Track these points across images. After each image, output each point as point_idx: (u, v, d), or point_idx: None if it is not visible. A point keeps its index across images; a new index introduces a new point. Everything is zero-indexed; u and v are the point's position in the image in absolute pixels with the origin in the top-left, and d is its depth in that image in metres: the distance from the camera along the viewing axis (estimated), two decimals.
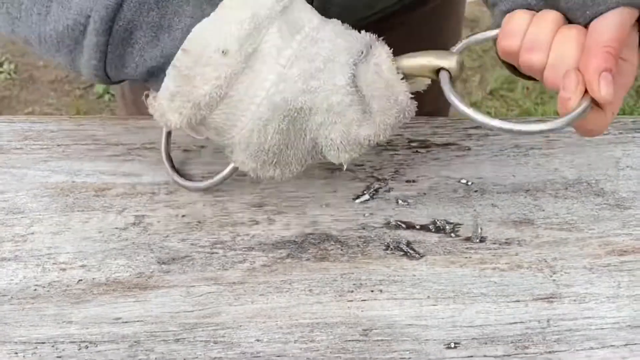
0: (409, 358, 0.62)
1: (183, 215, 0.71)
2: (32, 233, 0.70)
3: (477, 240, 0.70)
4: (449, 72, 0.64)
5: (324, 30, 0.63)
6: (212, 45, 0.61)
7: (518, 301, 0.66)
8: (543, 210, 0.72)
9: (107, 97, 2.25)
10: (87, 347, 0.62)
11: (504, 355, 0.62)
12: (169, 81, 0.62)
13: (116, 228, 0.70)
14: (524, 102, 2.28)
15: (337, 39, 0.63)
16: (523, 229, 0.71)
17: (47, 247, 0.69)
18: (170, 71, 0.62)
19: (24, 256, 0.68)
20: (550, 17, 0.63)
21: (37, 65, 2.34)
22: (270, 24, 0.61)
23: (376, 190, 0.74)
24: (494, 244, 0.70)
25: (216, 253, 0.69)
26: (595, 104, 0.60)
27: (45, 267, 0.67)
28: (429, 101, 0.70)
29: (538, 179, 0.75)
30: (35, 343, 0.63)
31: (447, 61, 0.64)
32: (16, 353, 0.62)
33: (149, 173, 0.75)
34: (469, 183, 0.75)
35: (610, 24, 0.60)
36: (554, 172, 0.76)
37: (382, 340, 0.63)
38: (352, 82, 0.62)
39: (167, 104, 0.63)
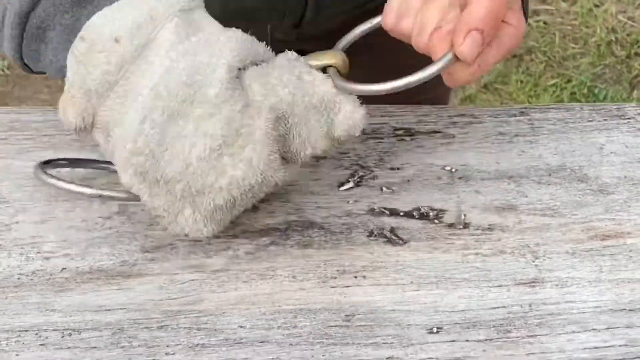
0: (392, 343, 0.62)
1: None
2: (17, 222, 0.70)
3: (461, 227, 0.70)
4: (337, 68, 0.66)
5: (222, 35, 0.63)
6: (107, 32, 0.61)
7: (500, 286, 0.66)
8: (526, 197, 0.73)
9: None
10: (70, 334, 0.63)
11: (486, 340, 0.63)
12: (68, 70, 0.62)
13: (100, 217, 0.70)
14: (517, 95, 2.28)
15: (231, 42, 0.63)
16: (506, 215, 0.71)
17: (31, 236, 0.69)
18: (68, 59, 0.62)
19: (7, 245, 0.68)
20: None
21: None
22: (167, 20, 0.62)
23: (360, 178, 0.74)
24: (477, 230, 0.70)
25: (200, 241, 0.69)
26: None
27: (29, 256, 0.68)
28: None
29: (522, 166, 0.75)
30: (19, 331, 0.63)
31: (333, 59, 0.67)
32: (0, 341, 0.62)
33: None
34: (453, 170, 0.75)
35: None
36: (537, 159, 0.76)
37: (364, 325, 0.63)
38: (235, 79, 0.62)
39: (66, 95, 0.63)
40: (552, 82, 2.32)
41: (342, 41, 0.71)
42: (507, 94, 2.30)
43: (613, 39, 2.44)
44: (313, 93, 0.64)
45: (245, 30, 0.80)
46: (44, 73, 0.68)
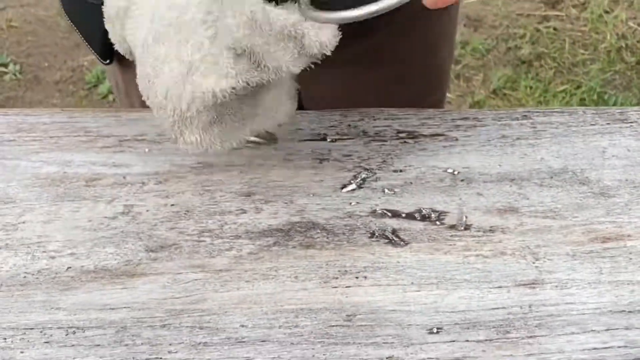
0: (392, 343, 0.63)
1: (172, 205, 0.72)
2: (23, 222, 0.71)
3: (462, 228, 0.71)
4: None
5: None
6: None
7: (500, 287, 0.66)
8: (528, 199, 0.73)
9: (111, 97, 2.26)
10: (74, 332, 0.63)
11: (486, 340, 0.63)
12: None
13: (105, 217, 0.71)
14: (527, 101, 2.28)
15: None
16: (507, 217, 0.72)
17: (37, 235, 0.70)
18: None
19: (14, 244, 0.69)
20: None
21: (42, 66, 2.36)
22: None
23: (363, 180, 0.75)
24: (479, 231, 0.70)
25: (203, 241, 0.70)
26: None
27: (35, 255, 0.68)
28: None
29: (524, 169, 0.76)
30: (24, 329, 0.64)
31: None
32: (5, 339, 0.63)
33: (139, 164, 0.76)
34: (456, 172, 0.75)
35: None
36: (540, 162, 0.76)
37: (365, 325, 0.64)
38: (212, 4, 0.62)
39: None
40: (562, 88, 2.32)
41: None
42: (516, 99, 2.30)
43: (623, 45, 2.44)
44: (270, 29, 0.64)
45: None
46: None
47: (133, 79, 1.01)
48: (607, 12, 2.52)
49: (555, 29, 2.49)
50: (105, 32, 0.96)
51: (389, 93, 0.94)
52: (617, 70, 2.38)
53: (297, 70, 0.66)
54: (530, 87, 2.32)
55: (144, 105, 0.98)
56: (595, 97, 2.29)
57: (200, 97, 0.63)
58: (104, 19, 0.69)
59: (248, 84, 0.64)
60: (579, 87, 2.32)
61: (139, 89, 0.66)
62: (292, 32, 0.65)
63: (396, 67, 0.69)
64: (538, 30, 2.49)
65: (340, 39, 0.97)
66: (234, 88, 0.63)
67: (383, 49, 0.95)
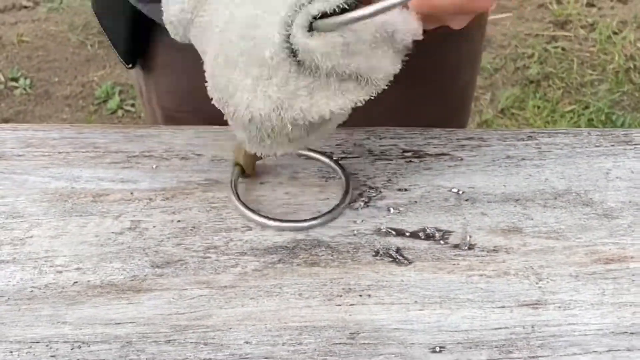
0: None
1: (178, 221, 0.73)
2: (31, 237, 0.72)
3: (466, 248, 0.71)
4: None
5: None
6: None
7: (503, 307, 0.67)
8: (532, 219, 0.73)
9: (120, 112, 2.28)
10: (80, 347, 0.64)
11: None
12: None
13: (112, 232, 0.72)
14: (534, 120, 2.29)
15: None
16: (511, 237, 0.72)
17: (45, 250, 0.71)
18: None
19: (21, 259, 0.70)
20: None
21: (52, 81, 2.38)
22: None
23: (368, 198, 0.75)
24: (482, 251, 0.71)
25: (209, 257, 0.70)
26: None
27: (42, 269, 0.69)
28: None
29: (528, 189, 0.76)
30: (30, 342, 0.64)
31: None
32: (11, 352, 0.63)
33: (146, 180, 0.77)
34: (460, 192, 0.76)
35: None
36: (544, 183, 0.77)
37: (368, 343, 0.64)
38: (286, 38, 0.60)
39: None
40: (570, 108, 2.33)
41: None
42: (524, 119, 2.31)
43: (631, 66, 2.45)
44: (363, 43, 0.62)
45: None
46: None
47: (154, 84, 1.02)
48: (615, 33, 2.53)
49: (563, 49, 2.50)
50: (130, 37, 0.97)
51: (409, 114, 0.93)
52: (625, 91, 2.38)
53: (398, 70, 0.65)
54: (538, 107, 2.33)
55: (164, 112, 1.00)
56: (603, 117, 2.30)
57: (302, 120, 0.62)
58: (163, 18, 0.67)
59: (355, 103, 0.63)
60: (586, 107, 2.32)
61: (213, 99, 0.65)
62: (383, 33, 0.63)
63: (417, 88, 0.69)
64: (546, 50, 2.50)
65: None
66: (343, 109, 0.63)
67: (402, 68, 0.96)
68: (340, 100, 0.63)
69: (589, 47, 2.51)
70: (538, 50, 2.48)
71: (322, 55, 0.60)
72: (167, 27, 0.67)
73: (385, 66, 0.64)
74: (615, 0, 2.64)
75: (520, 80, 2.40)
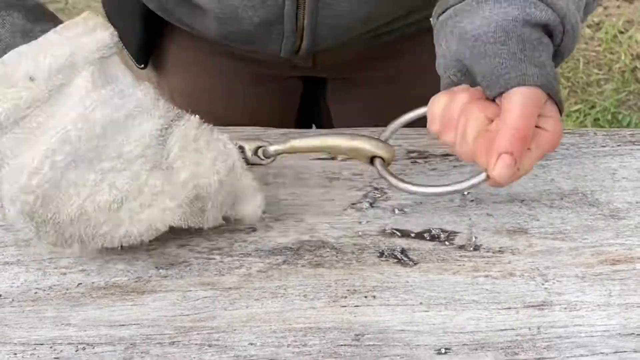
0: None
1: None
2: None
3: (471, 249, 0.71)
4: (383, 159, 0.70)
5: (137, 89, 0.66)
6: (22, 70, 0.63)
7: (509, 308, 0.66)
8: (538, 220, 0.73)
9: None
10: (84, 348, 0.64)
11: None
12: None
13: None
14: None
15: (145, 98, 0.65)
16: (517, 238, 0.72)
17: (49, 251, 0.70)
18: None
19: (25, 260, 0.70)
20: (461, 97, 0.66)
21: None
22: (84, 68, 0.64)
23: (373, 199, 0.75)
24: (488, 252, 0.71)
25: (213, 259, 0.70)
26: None
27: (46, 271, 0.69)
28: None
29: (534, 190, 0.76)
30: (34, 344, 0.64)
31: (383, 151, 0.70)
32: (15, 354, 0.63)
33: None
34: (466, 193, 0.76)
35: (512, 104, 0.63)
36: (550, 183, 0.77)
37: (373, 345, 0.64)
38: (154, 137, 0.64)
39: None
40: (576, 108, 2.32)
41: (386, 131, 0.73)
42: None
43: (638, 65, 2.44)
44: (239, 183, 0.67)
45: (257, 54, 0.81)
46: None
47: (167, 85, 1.02)
48: (621, 32, 2.52)
49: None
50: (142, 37, 0.97)
51: None
52: (631, 90, 2.37)
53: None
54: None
55: None
56: (609, 117, 2.29)
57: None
58: None
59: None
60: (593, 107, 2.32)
61: (4, 196, 0.64)
62: (245, 195, 0.68)
63: (429, 91, 0.70)
64: None
65: (370, 60, 0.97)
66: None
67: (410, 70, 0.96)
68: (174, 217, 0.65)
69: (595, 46, 2.50)
70: None
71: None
72: None
73: (217, 215, 0.68)
74: None
75: None
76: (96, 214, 0.63)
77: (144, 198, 0.64)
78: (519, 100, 0.62)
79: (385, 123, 0.73)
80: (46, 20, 0.66)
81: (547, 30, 0.65)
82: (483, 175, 0.66)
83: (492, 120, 0.64)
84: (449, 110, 0.66)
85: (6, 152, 0.63)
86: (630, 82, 2.39)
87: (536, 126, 0.63)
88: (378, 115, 0.80)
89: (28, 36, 0.64)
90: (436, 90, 0.69)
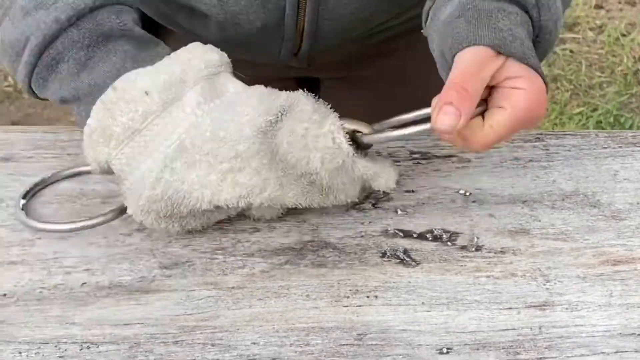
0: None
1: None
2: (39, 238, 0.72)
3: (473, 249, 0.71)
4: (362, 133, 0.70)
5: (244, 93, 0.69)
6: (139, 86, 0.67)
7: (511, 308, 0.67)
8: (539, 221, 0.74)
9: None
10: (88, 347, 0.64)
11: None
12: (93, 115, 0.68)
13: (121, 234, 0.72)
14: (542, 123, 2.28)
15: (252, 99, 0.68)
16: (519, 239, 0.72)
17: (54, 251, 0.71)
18: (95, 106, 0.68)
19: (30, 260, 0.70)
20: None
21: None
22: (195, 83, 0.68)
23: (376, 200, 0.76)
24: (490, 252, 0.71)
25: (217, 259, 0.70)
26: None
27: (50, 270, 0.69)
28: None
29: (536, 191, 0.76)
30: (39, 343, 0.64)
31: (361, 127, 0.70)
32: (20, 352, 0.64)
33: None
34: (468, 194, 0.76)
35: (459, 62, 0.66)
36: (551, 184, 0.77)
37: (375, 344, 0.64)
38: (263, 135, 0.67)
39: (87, 140, 0.69)
40: (578, 110, 2.32)
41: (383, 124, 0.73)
42: None
43: None
44: (353, 173, 0.69)
45: (252, 57, 0.82)
46: (47, 100, 0.73)
47: None
48: (624, 35, 2.52)
49: (571, 51, 2.49)
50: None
51: None
52: (633, 93, 2.38)
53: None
54: (546, 109, 2.32)
55: None
56: (611, 119, 2.29)
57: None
58: (84, 133, 0.69)
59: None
60: (595, 109, 2.32)
61: (133, 208, 0.69)
62: (368, 177, 0.70)
63: (423, 89, 0.71)
64: (554, 52, 2.49)
65: (365, 58, 0.98)
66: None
67: (406, 68, 0.96)
68: (301, 199, 0.70)
69: (597, 49, 2.50)
70: None
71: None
72: (86, 141, 0.69)
73: (350, 193, 0.71)
74: (623, 2, 2.64)
75: None
76: (220, 210, 0.69)
77: (271, 189, 0.68)
78: (462, 58, 0.65)
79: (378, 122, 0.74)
80: (152, 47, 0.72)
81: (518, 3, 0.67)
82: (429, 125, 0.66)
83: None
84: None
85: (123, 168, 0.68)
86: (632, 84, 2.40)
87: (511, 87, 0.65)
88: (372, 115, 0.80)
89: (137, 62, 0.69)
90: (430, 88, 0.69)
